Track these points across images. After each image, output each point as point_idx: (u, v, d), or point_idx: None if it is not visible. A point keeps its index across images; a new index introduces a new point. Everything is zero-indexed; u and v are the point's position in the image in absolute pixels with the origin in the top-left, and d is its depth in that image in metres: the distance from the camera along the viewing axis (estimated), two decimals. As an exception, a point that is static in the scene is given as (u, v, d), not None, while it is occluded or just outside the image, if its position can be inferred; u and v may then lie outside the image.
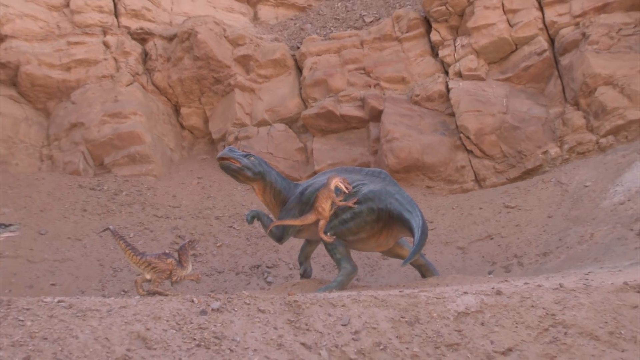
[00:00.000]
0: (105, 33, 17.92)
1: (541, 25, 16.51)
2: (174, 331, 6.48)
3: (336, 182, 10.01)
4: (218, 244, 14.20)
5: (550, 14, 16.49)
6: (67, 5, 17.99)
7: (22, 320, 6.33)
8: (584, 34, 15.78)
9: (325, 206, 10.01)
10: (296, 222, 10.42)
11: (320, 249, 11.51)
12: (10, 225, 9.92)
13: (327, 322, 6.89)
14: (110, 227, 9.47)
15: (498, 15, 16.80)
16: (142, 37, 18.29)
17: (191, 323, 6.64)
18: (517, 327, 6.90)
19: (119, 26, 18.16)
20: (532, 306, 7.18)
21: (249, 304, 7.10)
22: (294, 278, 12.38)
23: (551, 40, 16.47)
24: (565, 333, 6.80)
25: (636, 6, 15.78)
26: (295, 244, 12.74)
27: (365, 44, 18.06)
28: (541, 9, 16.66)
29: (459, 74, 16.81)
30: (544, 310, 7.12)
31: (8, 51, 16.89)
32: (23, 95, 17.24)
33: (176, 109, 18.45)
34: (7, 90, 17.08)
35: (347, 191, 10.01)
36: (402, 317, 7.00)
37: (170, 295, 8.10)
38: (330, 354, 6.51)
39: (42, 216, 14.56)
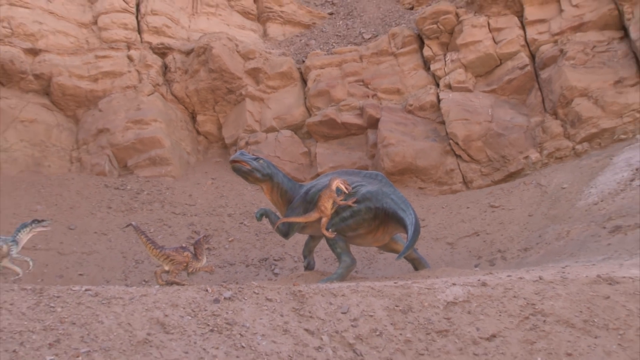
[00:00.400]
0: (129, 48, 17.95)
1: (523, 43, 16.52)
2: (190, 317, 6.48)
3: (337, 183, 10.03)
4: (230, 239, 14.19)
5: (531, 32, 16.51)
6: (95, 22, 18.03)
7: (53, 307, 6.34)
8: (561, 51, 15.79)
9: (327, 205, 10.02)
10: (301, 219, 10.42)
11: (323, 243, 11.52)
12: (43, 220, 9.95)
13: (329, 310, 6.89)
14: (133, 223, 9.48)
15: (484, 33, 16.81)
16: (162, 51, 18.31)
17: (205, 310, 6.64)
18: (500, 315, 6.89)
19: (141, 42, 18.18)
20: (514, 296, 7.17)
21: (257, 294, 7.10)
22: (299, 270, 12.37)
23: (532, 56, 16.48)
24: (544, 321, 6.79)
25: (609, 26, 15.80)
26: (299, 239, 12.74)
27: (364, 59, 18.07)
28: (523, 27, 16.67)
29: (449, 86, 16.82)
30: (525, 300, 7.11)
31: (42, 64, 16.93)
32: (55, 104, 17.28)
33: (193, 117, 18.47)
34: (41, 99, 17.14)
35: (347, 191, 10.03)
36: (397, 306, 6.99)
37: (186, 285, 8.11)
38: (331, 339, 6.51)
39: (71, 213, 14.58)
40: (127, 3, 18.23)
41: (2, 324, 5.98)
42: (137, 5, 18.53)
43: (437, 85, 17.15)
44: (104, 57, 17.62)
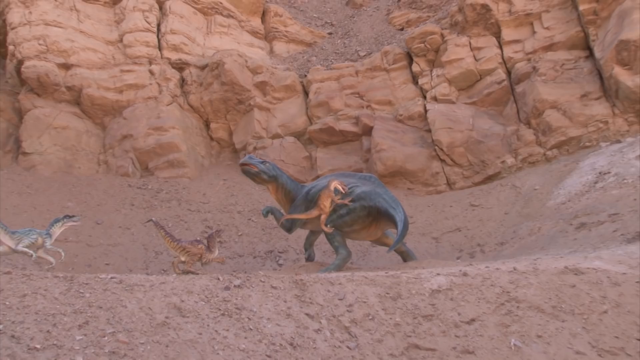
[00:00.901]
0: (150, 63, 17.96)
1: (500, 60, 16.54)
2: (203, 303, 6.49)
3: (335, 184, 10.05)
4: (239, 233, 14.20)
5: (508, 51, 16.54)
6: (121, 40, 18.04)
7: (82, 293, 6.35)
8: (534, 68, 15.82)
9: (326, 203, 10.04)
10: (302, 216, 10.44)
11: (322, 238, 11.51)
12: (73, 216, 9.97)
13: (327, 296, 6.89)
14: (153, 218, 9.49)
15: (466, 52, 16.83)
16: (180, 66, 18.32)
17: (217, 296, 6.64)
18: (479, 301, 6.90)
19: (161, 57, 18.18)
20: (492, 285, 7.18)
21: (263, 282, 7.10)
22: (300, 261, 12.38)
23: (508, 72, 16.49)
24: (518, 307, 6.80)
25: (576, 46, 15.84)
26: (301, 234, 12.72)
27: (359, 73, 18.07)
28: (500, 47, 16.70)
29: (435, 98, 16.82)
30: (501, 288, 7.12)
31: (73, 77, 16.96)
32: (84, 112, 17.30)
33: (207, 124, 18.46)
34: (72, 108, 17.17)
35: (343, 191, 10.04)
36: (387, 293, 7.00)
37: (200, 274, 8.11)
38: (329, 322, 6.52)
39: (98, 209, 14.59)
40: (149, 23, 18.24)
41: (37, 307, 6.00)
42: (158, 26, 18.54)
43: (424, 97, 17.15)
44: (128, 71, 17.65)
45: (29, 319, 5.78)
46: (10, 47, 17.14)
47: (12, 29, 17.13)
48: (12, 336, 5.53)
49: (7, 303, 6.00)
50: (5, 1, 17.54)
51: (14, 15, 17.16)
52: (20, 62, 16.91)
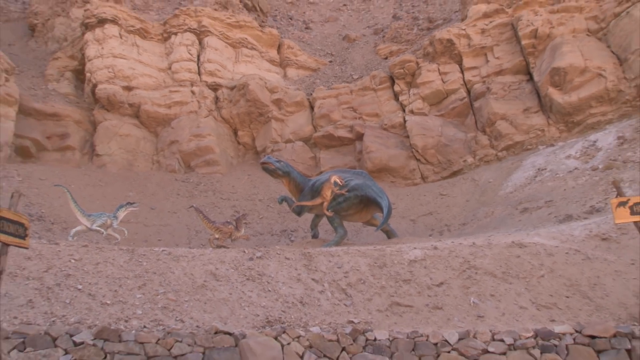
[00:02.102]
0: (192, 85, 17.98)
1: (462, 82, 16.49)
2: (233, 270, 6.51)
3: (334, 178, 10.08)
4: (260, 217, 14.22)
5: (468, 75, 16.49)
6: (170, 68, 18.11)
7: (141, 262, 6.38)
8: (488, 88, 15.78)
9: (327, 193, 10.08)
10: (309, 203, 10.49)
11: (324, 220, 11.53)
12: (133, 203, 10.10)
13: (328, 265, 6.91)
14: (194, 205, 9.54)
15: (435, 76, 16.79)
16: (214, 87, 18.32)
17: (243, 265, 6.66)
18: (446, 269, 6.92)
19: (200, 81, 18.18)
20: (456, 256, 7.19)
21: (279, 254, 7.12)
22: (307, 238, 12.40)
23: (468, 91, 16.44)
24: (476, 273, 6.81)
25: (520, 71, 15.82)
26: (308, 217, 12.74)
27: (353, 92, 18.02)
28: (462, 72, 16.65)
29: (412, 111, 16.79)
30: (463, 258, 7.13)
31: (134, 96, 17.08)
32: (142, 123, 17.37)
33: (235, 132, 18.44)
34: (133, 120, 17.29)
35: (341, 184, 10.06)
36: (375, 263, 7.01)
37: (230, 248, 8.13)
38: (330, 285, 6.54)
39: (152, 198, 14.63)
40: (191, 55, 18.33)
41: (107, 272, 6.03)
42: (198, 56, 18.58)
43: (404, 110, 17.10)
44: (175, 91, 17.70)
45: (101, 281, 5.82)
46: (87, 75, 17.40)
47: (89, 60, 17.35)
48: (89, 294, 5.58)
49: (85, 269, 6.04)
50: (84, 40, 17.81)
51: (91, 50, 17.42)
52: (94, 86, 17.09)
